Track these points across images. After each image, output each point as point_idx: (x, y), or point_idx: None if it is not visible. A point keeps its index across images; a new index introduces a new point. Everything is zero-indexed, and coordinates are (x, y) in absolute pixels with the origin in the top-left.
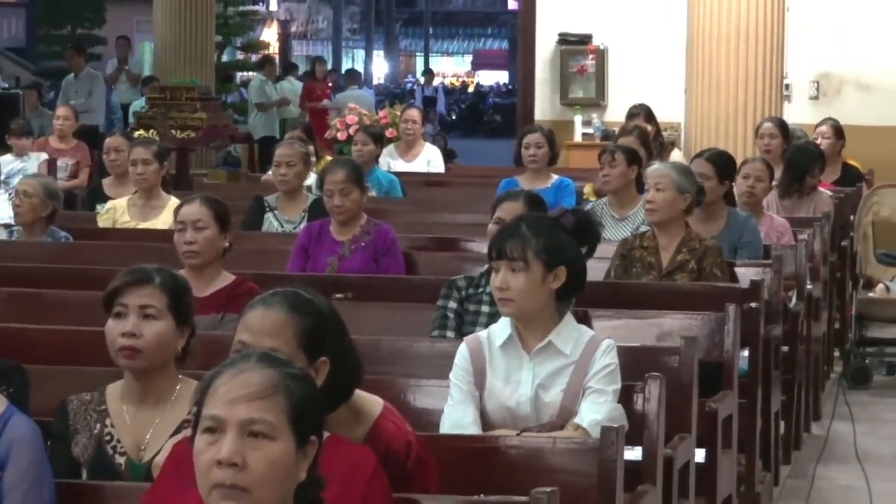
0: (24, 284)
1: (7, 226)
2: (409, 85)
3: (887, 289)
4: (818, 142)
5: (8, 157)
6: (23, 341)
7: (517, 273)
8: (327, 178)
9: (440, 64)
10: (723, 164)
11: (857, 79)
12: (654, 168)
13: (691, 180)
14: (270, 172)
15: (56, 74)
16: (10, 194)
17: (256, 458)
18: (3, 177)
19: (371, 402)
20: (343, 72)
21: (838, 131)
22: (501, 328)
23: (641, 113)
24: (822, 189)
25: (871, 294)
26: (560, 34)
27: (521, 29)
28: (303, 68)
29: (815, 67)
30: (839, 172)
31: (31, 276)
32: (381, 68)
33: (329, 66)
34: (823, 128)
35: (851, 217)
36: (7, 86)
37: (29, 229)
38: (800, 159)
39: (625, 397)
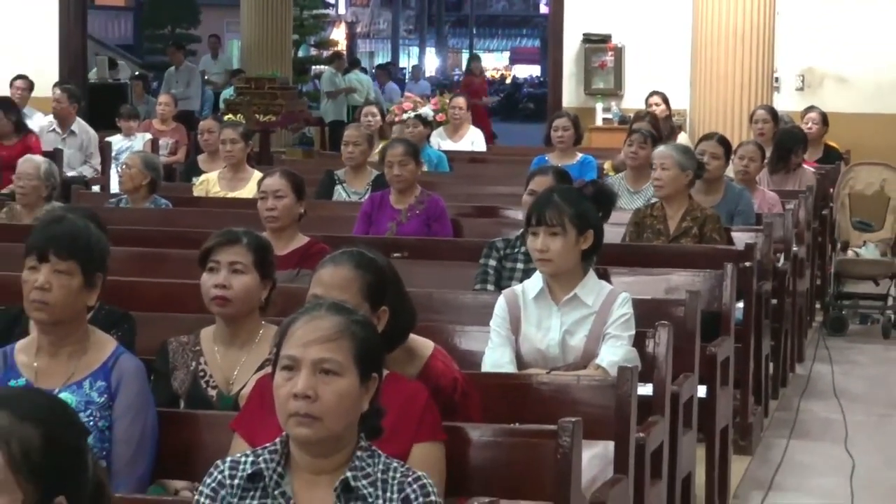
0: (131, 244)
1: (115, 195)
2: (456, 77)
3: (856, 254)
4: (808, 126)
5: (118, 137)
6: (130, 292)
7: (555, 237)
8: (389, 152)
9: (483, 59)
10: (728, 146)
11: (836, 73)
12: (660, 150)
13: (691, 158)
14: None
15: (159, 68)
16: (119, 168)
17: (326, 392)
18: (114, 153)
19: (423, 345)
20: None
21: (824, 118)
22: (534, 283)
23: (659, 96)
24: (806, 166)
25: (847, 255)
26: (584, 34)
27: (551, 30)
28: (365, 63)
29: (801, 63)
30: (821, 153)
31: (138, 237)
32: (432, 63)
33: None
34: (813, 114)
35: (831, 190)
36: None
37: (133, 197)
38: (786, 141)
39: (638, 342)
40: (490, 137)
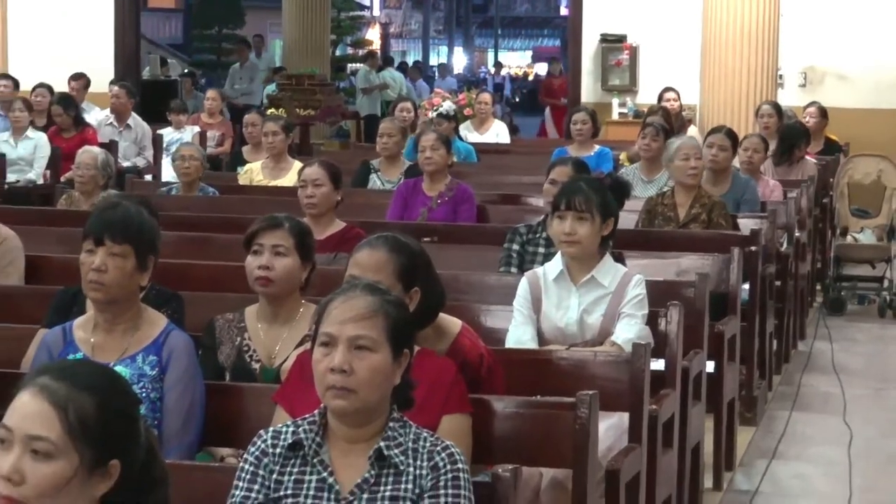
0: (181, 229)
1: (166, 183)
2: (482, 74)
3: (855, 239)
4: (806, 120)
5: (168, 129)
6: (180, 274)
7: (582, 222)
8: (421, 138)
9: (507, 58)
10: (735, 139)
11: (836, 70)
12: (689, 142)
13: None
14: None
15: (206, 65)
16: (171, 159)
17: (361, 366)
18: (164, 145)
19: (452, 323)
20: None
21: (823, 112)
22: (554, 265)
23: (671, 92)
24: (808, 158)
25: (846, 240)
26: (601, 34)
27: (570, 30)
28: (398, 62)
29: (803, 61)
30: (822, 145)
31: (187, 222)
32: (460, 61)
33: (419, 60)
34: (811, 109)
35: (831, 180)
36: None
37: (188, 186)
38: (790, 136)
39: (651, 321)
40: (561, 132)
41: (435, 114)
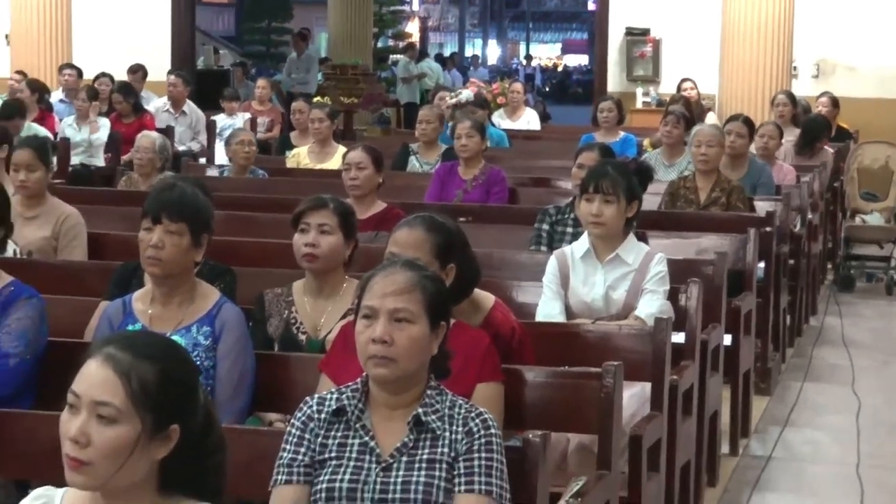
0: (233, 208)
1: (219, 166)
2: (514, 65)
3: (863, 221)
4: (819, 109)
5: (221, 116)
6: (233, 250)
7: (609, 204)
8: (458, 126)
9: (537, 50)
10: (752, 126)
11: (847, 62)
12: (705, 130)
13: (723, 137)
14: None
15: (256, 56)
16: (224, 143)
17: (401, 337)
18: (217, 131)
19: (485, 298)
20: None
21: (834, 101)
22: (581, 244)
23: (690, 82)
24: (826, 148)
25: (855, 222)
26: (626, 28)
27: (597, 24)
28: (434, 53)
29: (816, 53)
30: (834, 133)
31: (239, 202)
32: (494, 53)
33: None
34: (824, 99)
35: (842, 165)
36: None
37: (240, 169)
38: (813, 129)
39: (672, 296)
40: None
41: (453, 102)
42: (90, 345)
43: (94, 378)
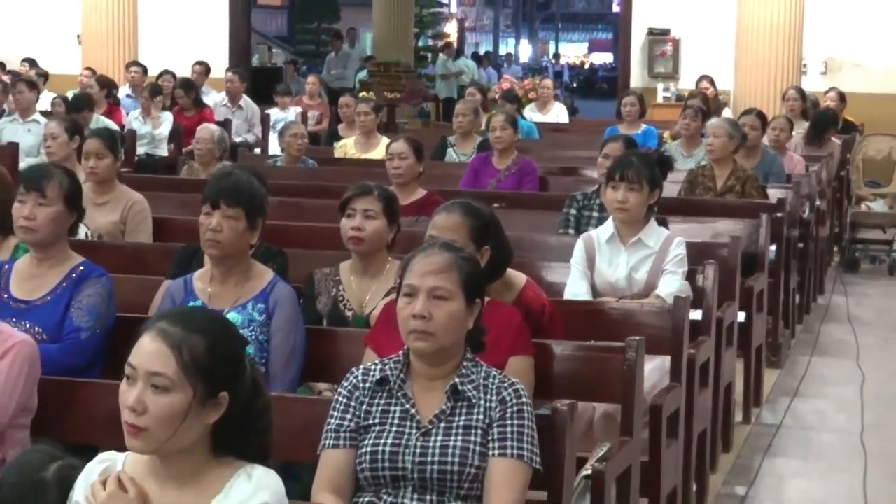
0: (286, 195)
1: (273, 156)
2: (544, 63)
3: (868, 207)
4: (827, 104)
5: (275, 110)
6: (285, 233)
7: (633, 192)
8: (493, 119)
9: (566, 48)
10: (765, 119)
11: (854, 60)
12: (714, 122)
13: (738, 129)
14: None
15: (307, 55)
16: (278, 135)
17: (439, 313)
18: (271, 123)
19: (518, 277)
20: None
21: (841, 97)
22: (606, 228)
23: (707, 79)
24: (834, 139)
25: (860, 208)
26: (648, 28)
27: (621, 24)
28: (471, 52)
29: (824, 52)
30: (840, 125)
31: (291, 189)
32: (525, 51)
33: (489, 50)
34: (831, 94)
35: (848, 155)
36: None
37: (292, 159)
38: (822, 122)
39: (690, 276)
40: None
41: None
42: (145, 321)
43: (149, 351)
